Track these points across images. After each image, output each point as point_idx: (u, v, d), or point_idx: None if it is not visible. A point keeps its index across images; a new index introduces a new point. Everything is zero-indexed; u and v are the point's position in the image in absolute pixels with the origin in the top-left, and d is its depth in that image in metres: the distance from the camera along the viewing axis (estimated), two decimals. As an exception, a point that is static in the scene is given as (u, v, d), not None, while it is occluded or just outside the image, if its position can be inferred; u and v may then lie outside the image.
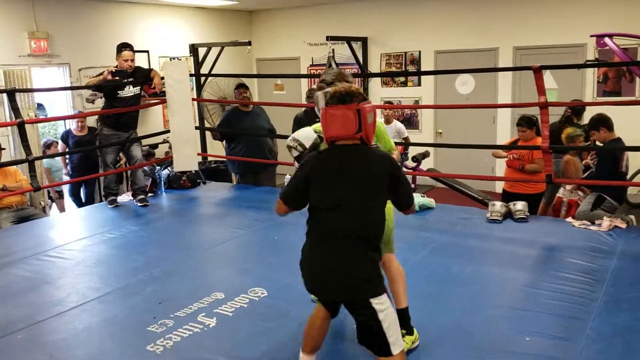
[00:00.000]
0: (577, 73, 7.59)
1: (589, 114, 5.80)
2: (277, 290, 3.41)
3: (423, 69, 8.85)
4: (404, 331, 2.53)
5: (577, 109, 5.83)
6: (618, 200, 4.76)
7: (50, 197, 7.16)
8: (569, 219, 4.63)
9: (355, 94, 2.26)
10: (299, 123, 6.14)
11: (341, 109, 2.23)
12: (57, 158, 7.13)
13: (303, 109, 6.22)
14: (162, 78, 5.64)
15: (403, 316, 2.57)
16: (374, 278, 2.18)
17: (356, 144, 2.26)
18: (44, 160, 6.96)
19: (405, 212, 2.39)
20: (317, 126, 2.67)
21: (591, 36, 5.89)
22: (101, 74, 5.29)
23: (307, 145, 2.65)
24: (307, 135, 2.68)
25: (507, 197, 5.29)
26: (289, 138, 2.70)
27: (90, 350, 2.84)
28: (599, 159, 4.81)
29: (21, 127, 4.92)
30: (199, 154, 6.40)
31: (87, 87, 5.96)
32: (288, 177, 5.78)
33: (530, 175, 5.24)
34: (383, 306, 2.14)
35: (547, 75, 7.16)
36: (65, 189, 7.19)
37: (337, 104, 2.25)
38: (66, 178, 7.05)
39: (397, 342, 2.15)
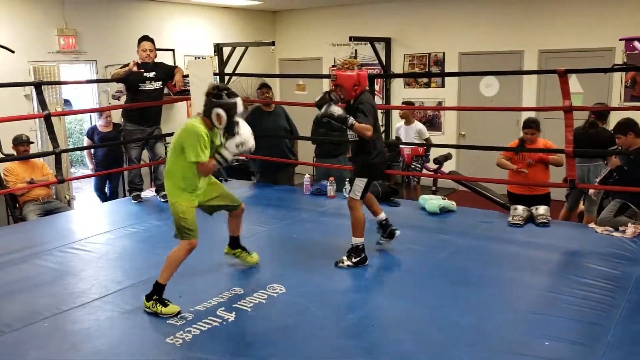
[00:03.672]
0: (604, 77, 7.47)
1: (614, 119, 5.70)
2: (295, 287, 3.44)
3: (447, 70, 8.79)
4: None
5: (601, 113, 5.74)
6: (639, 207, 4.68)
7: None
8: (592, 225, 4.57)
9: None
10: (317, 123, 6.17)
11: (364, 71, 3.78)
12: None
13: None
14: (186, 76, 5.70)
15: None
16: None
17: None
18: None
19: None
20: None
21: (620, 40, 5.80)
22: (127, 64, 5.37)
23: None
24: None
25: (514, 199, 5.33)
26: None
27: (111, 340, 2.89)
28: (630, 164, 4.70)
29: (48, 119, 5.03)
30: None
31: (112, 80, 6.06)
32: (307, 177, 5.82)
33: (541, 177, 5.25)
34: None
35: (573, 79, 7.07)
36: (91, 184, 7.31)
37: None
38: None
39: None
